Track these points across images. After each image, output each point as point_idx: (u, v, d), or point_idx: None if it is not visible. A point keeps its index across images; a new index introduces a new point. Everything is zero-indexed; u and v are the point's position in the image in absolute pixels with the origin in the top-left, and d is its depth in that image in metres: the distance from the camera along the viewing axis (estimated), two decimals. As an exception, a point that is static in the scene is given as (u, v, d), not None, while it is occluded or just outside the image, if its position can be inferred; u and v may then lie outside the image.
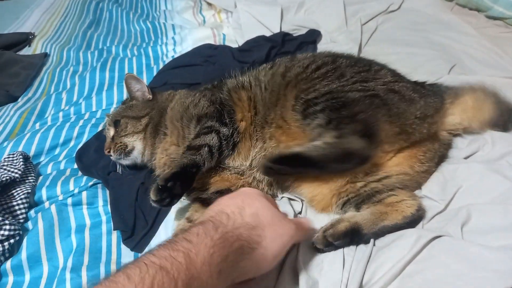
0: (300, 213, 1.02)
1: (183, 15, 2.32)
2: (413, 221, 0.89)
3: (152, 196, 0.90)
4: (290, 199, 1.04)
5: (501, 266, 0.72)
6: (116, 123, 1.21)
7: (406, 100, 0.97)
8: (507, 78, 1.31)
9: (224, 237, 0.56)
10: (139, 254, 1.02)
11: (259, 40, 1.72)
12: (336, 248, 0.86)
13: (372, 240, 0.86)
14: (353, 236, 0.87)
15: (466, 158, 1.03)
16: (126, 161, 1.18)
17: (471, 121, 1.05)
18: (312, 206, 1.01)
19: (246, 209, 0.66)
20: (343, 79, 1.02)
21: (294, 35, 1.79)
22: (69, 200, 1.11)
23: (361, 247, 0.86)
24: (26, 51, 2.12)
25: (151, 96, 1.26)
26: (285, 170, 0.93)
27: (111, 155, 1.17)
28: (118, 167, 1.22)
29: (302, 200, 1.03)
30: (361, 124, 0.91)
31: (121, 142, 1.16)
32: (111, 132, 1.21)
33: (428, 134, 0.98)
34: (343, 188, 0.96)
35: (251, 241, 0.61)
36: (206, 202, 1.04)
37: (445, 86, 1.12)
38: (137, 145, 1.17)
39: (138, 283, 0.42)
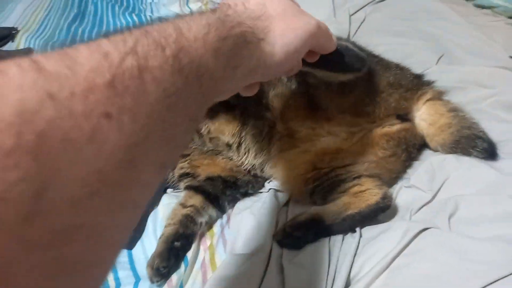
0: (286, 205, 1.02)
1: (170, 8, 2.28)
2: (379, 208, 0.88)
3: None
4: (277, 190, 1.04)
5: (489, 258, 0.71)
6: None
7: (383, 64, 0.97)
8: (495, 67, 1.30)
9: (222, 20, 0.45)
10: (131, 251, 1.00)
11: (247, 32, 1.70)
12: (294, 239, 0.86)
13: (358, 231, 0.86)
14: (315, 227, 0.87)
15: (454, 148, 1.03)
16: None
17: (430, 139, 1.01)
18: (290, 194, 1.02)
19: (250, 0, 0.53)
20: None
21: (282, 26, 1.77)
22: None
23: (348, 238, 0.85)
24: (9, 47, 2.07)
25: None
26: None
27: None
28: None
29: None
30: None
31: None
32: None
33: (396, 109, 0.96)
34: (308, 174, 0.96)
35: (256, 30, 0.49)
36: (198, 190, 1.04)
37: (430, 80, 1.09)
38: None
39: (119, 41, 0.32)
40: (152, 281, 0.89)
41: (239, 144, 1.04)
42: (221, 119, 1.03)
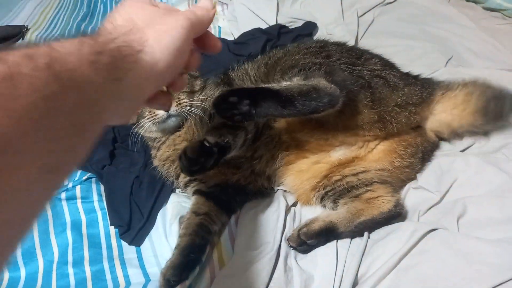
0: (294, 205, 1.02)
1: (179, 7, 2.28)
2: (391, 216, 0.89)
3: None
4: (285, 191, 1.04)
5: (497, 260, 0.72)
6: None
7: (390, 86, 0.95)
8: (504, 70, 1.30)
9: (94, 38, 0.47)
10: (140, 248, 1.02)
11: (255, 33, 1.70)
12: (309, 246, 0.87)
13: (366, 233, 0.86)
14: (328, 235, 0.87)
15: (462, 150, 1.03)
16: (176, 122, 1.04)
17: (461, 118, 0.99)
18: (297, 199, 1.02)
19: (116, 17, 0.55)
20: (329, 59, 0.99)
21: (290, 27, 1.77)
22: (63, 195, 1.10)
23: (356, 240, 0.86)
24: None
25: None
26: None
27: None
28: (131, 143, 1.09)
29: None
30: (332, 76, 0.85)
31: (184, 98, 1.03)
32: None
33: (408, 124, 0.95)
34: (320, 182, 0.96)
35: (131, 43, 0.51)
36: (209, 196, 1.04)
37: (438, 81, 1.08)
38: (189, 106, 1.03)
39: None
40: None
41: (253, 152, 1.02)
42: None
